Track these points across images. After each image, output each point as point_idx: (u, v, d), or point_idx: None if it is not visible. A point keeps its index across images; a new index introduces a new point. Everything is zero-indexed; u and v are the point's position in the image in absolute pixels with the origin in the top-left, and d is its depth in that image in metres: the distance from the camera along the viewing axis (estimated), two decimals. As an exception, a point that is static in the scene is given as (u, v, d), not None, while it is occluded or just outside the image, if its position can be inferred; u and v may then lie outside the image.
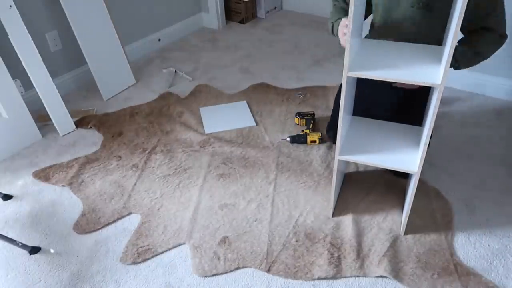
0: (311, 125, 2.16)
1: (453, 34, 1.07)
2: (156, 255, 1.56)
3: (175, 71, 2.77)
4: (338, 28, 1.53)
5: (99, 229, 1.67)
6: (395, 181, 1.82)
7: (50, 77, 2.12)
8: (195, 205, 1.75)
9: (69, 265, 1.54)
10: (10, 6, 1.91)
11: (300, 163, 1.95)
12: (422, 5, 1.49)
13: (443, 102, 2.32)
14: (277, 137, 2.13)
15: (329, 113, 2.28)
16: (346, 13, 1.63)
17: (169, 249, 1.58)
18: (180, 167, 1.95)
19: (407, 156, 1.43)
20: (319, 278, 1.44)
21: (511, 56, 2.20)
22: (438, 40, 1.56)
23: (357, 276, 1.45)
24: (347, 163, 1.92)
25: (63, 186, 1.88)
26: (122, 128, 2.24)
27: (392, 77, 1.22)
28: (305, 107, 2.35)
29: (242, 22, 3.51)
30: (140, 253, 1.56)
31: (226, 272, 1.49)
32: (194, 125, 2.24)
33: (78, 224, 1.69)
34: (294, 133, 2.14)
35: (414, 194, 1.42)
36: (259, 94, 2.50)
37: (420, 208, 1.68)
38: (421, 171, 1.37)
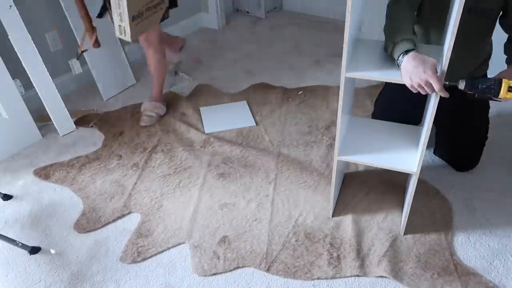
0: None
1: (451, 34, 1.07)
2: (156, 255, 1.56)
3: (175, 71, 2.77)
4: (403, 59, 1.19)
5: (99, 228, 1.67)
6: (395, 181, 1.82)
7: (50, 77, 2.13)
8: (195, 205, 1.75)
9: (69, 265, 1.54)
10: (10, 6, 1.91)
11: (300, 163, 1.95)
12: (479, 11, 1.48)
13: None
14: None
15: (329, 113, 2.28)
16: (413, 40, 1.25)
17: (169, 249, 1.58)
18: (180, 167, 1.96)
19: (407, 156, 1.43)
20: (318, 278, 1.44)
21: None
22: (483, 43, 1.62)
23: (357, 276, 1.45)
24: (347, 163, 1.92)
25: (64, 185, 1.88)
26: (123, 128, 2.24)
27: (391, 78, 1.22)
28: (305, 107, 2.36)
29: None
30: (140, 252, 1.56)
31: (226, 272, 1.49)
32: (194, 125, 2.24)
33: (78, 223, 1.69)
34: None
35: (413, 194, 1.42)
36: (259, 94, 2.50)
37: (420, 208, 1.68)
38: (421, 171, 1.36)
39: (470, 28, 1.47)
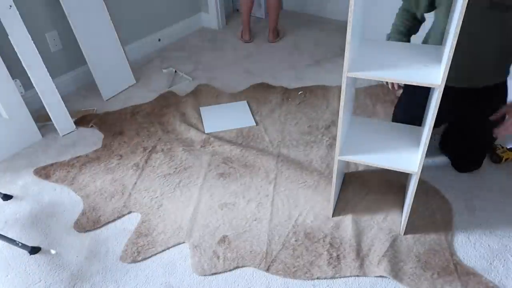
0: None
1: (453, 34, 1.07)
2: (156, 254, 1.56)
3: (175, 71, 2.77)
4: None
5: (99, 227, 1.67)
6: (395, 181, 1.82)
7: (50, 77, 2.12)
8: (195, 204, 1.75)
9: (69, 265, 1.54)
10: (10, 6, 1.91)
11: (300, 163, 1.95)
12: (497, 4, 1.46)
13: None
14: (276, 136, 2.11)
15: (329, 113, 2.28)
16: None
17: (168, 248, 1.58)
18: (181, 166, 1.96)
19: (407, 156, 1.43)
20: (318, 278, 1.44)
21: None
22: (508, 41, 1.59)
23: (357, 276, 1.45)
24: (347, 163, 1.92)
25: (64, 185, 1.88)
26: (123, 127, 2.24)
27: (392, 77, 1.22)
28: (305, 107, 2.36)
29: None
30: (140, 252, 1.56)
31: (226, 271, 1.49)
32: (194, 125, 2.24)
33: (78, 222, 1.69)
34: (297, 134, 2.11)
35: (414, 194, 1.42)
36: (259, 94, 2.50)
37: (420, 208, 1.68)
38: (421, 171, 1.37)
39: (492, 25, 1.48)
